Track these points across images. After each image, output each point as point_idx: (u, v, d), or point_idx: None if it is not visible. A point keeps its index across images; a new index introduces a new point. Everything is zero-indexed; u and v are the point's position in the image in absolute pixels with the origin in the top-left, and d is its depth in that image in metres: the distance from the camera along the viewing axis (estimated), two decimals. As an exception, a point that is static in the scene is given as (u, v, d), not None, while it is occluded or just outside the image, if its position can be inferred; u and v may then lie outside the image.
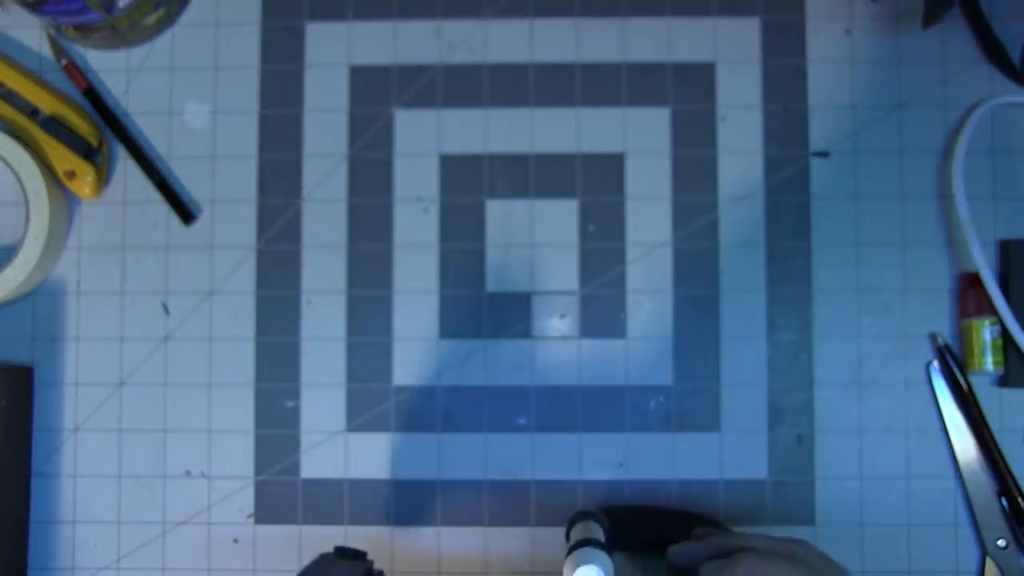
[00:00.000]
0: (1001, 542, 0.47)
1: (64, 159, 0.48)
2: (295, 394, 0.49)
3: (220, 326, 0.49)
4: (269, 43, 0.50)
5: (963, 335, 0.48)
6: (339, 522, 0.48)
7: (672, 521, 0.47)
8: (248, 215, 0.50)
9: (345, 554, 0.40)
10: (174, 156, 0.50)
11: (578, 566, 0.35)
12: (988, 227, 0.48)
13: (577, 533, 0.39)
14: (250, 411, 0.49)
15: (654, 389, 0.48)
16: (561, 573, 0.37)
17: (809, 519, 0.48)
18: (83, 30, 0.47)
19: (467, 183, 0.49)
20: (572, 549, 0.37)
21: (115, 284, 0.50)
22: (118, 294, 0.50)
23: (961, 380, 0.47)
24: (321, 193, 0.50)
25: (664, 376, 0.48)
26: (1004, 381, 0.48)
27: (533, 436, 0.48)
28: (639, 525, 0.46)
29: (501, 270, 0.49)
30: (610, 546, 0.39)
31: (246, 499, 0.49)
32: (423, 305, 0.49)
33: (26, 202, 0.47)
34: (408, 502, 0.48)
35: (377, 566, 0.42)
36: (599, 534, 0.39)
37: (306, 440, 0.49)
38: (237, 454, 0.49)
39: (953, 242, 0.49)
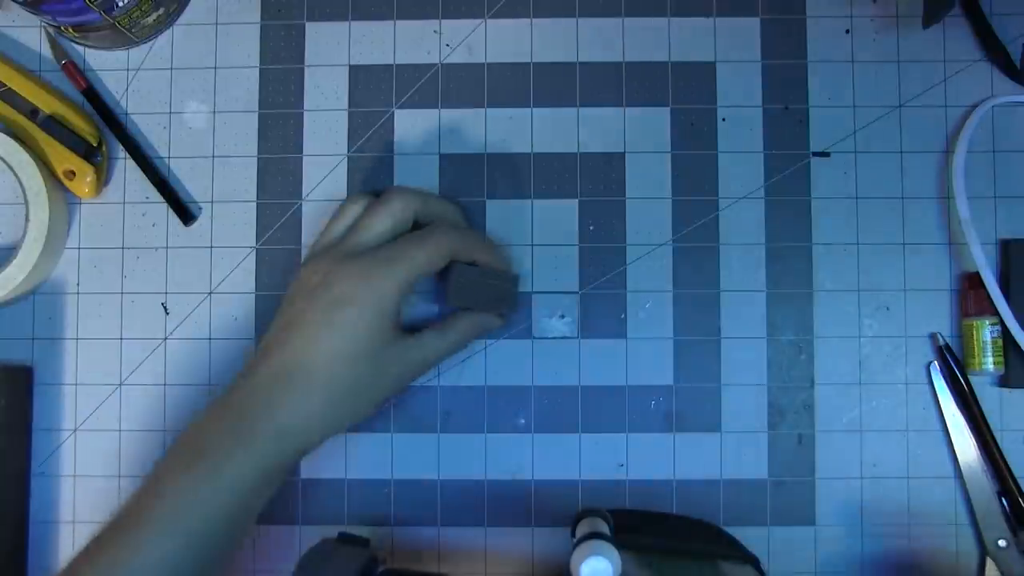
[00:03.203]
0: (1001, 542, 0.47)
1: (64, 159, 0.48)
2: (295, 394, 0.49)
3: (220, 326, 0.49)
4: (269, 43, 0.50)
5: (963, 335, 0.48)
6: (339, 522, 0.48)
7: (673, 526, 0.47)
8: (248, 215, 0.50)
9: (348, 540, 0.40)
10: (174, 156, 0.50)
11: (586, 558, 0.35)
12: (988, 227, 0.48)
13: (584, 528, 0.39)
14: (250, 411, 0.49)
15: (654, 389, 0.48)
16: (562, 573, 0.37)
17: (809, 519, 0.48)
18: (83, 30, 0.47)
19: (467, 183, 0.49)
20: (579, 542, 0.37)
21: (115, 284, 0.50)
22: (118, 294, 0.50)
23: (961, 380, 0.47)
24: (321, 193, 0.50)
25: (664, 376, 0.48)
26: (1004, 381, 0.48)
27: (533, 436, 0.48)
28: (640, 529, 0.46)
29: (501, 270, 0.49)
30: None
31: (246, 499, 0.49)
32: (423, 305, 0.49)
33: (26, 202, 0.47)
34: (408, 502, 0.48)
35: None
36: (605, 530, 0.39)
37: (306, 440, 0.49)
38: (237, 454, 0.49)
39: (953, 242, 0.49)
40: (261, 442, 0.39)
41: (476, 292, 0.46)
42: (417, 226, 0.45)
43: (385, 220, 0.43)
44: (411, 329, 0.45)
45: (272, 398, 0.40)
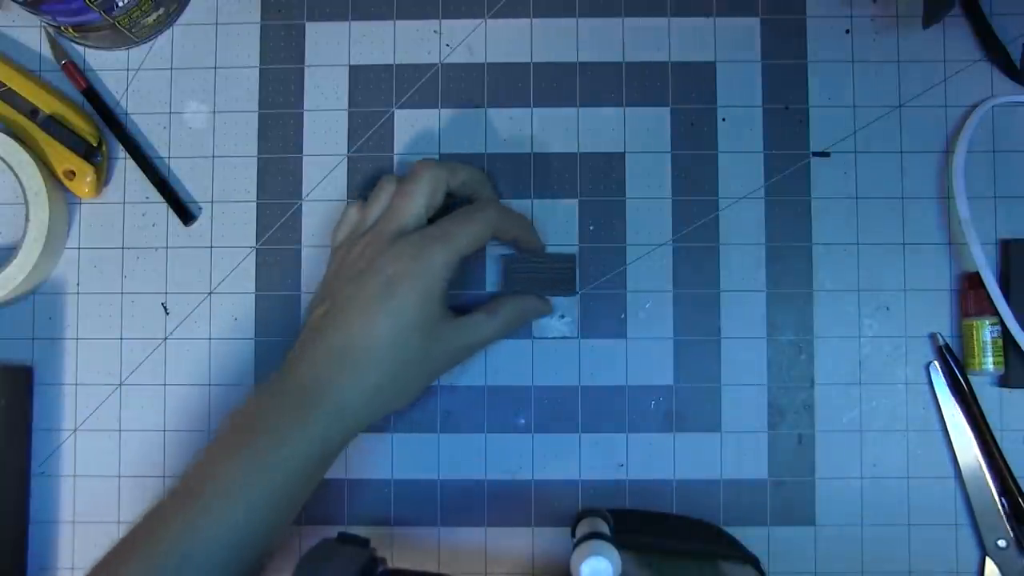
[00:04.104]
0: (1001, 542, 0.47)
1: (64, 159, 0.48)
2: (295, 394, 0.49)
3: (220, 326, 0.49)
4: (269, 43, 0.50)
5: (963, 335, 0.48)
6: (339, 522, 0.48)
7: (673, 526, 0.47)
8: (248, 215, 0.50)
9: (348, 540, 0.40)
10: (174, 156, 0.50)
11: (586, 558, 0.35)
12: (988, 227, 0.48)
13: (584, 528, 0.39)
14: (250, 411, 0.49)
15: (654, 389, 0.48)
16: (562, 573, 0.37)
17: (809, 519, 0.48)
18: (83, 30, 0.47)
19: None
20: (580, 542, 0.37)
21: (115, 284, 0.50)
22: (118, 294, 0.50)
23: (962, 380, 0.47)
24: (321, 193, 0.50)
25: (664, 376, 0.48)
26: (1004, 381, 0.48)
27: (533, 436, 0.48)
28: (640, 529, 0.46)
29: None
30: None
31: (246, 499, 0.48)
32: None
33: (26, 202, 0.47)
34: (408, 502, 0.48)
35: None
36: (605, 530, 0.39)
37: (306, 440, 0.49)
38: (237, 454, 0.49)
39: (953, 242, 0.49)
40: (319, 420, 0.40)
41: (533, 278, 0.47)
42: (450, 196, 0.46)
43: (418, 199, 0.44)
44: (458, 312, 0.45)
45: (330, 377, 0.41)
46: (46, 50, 0.50)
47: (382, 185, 0.46)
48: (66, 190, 0.49)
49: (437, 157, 0.50)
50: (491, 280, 0.49)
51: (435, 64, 0.50)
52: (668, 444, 0.48)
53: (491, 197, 0.47)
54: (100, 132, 0.49)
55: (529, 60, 0.50)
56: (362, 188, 0.50)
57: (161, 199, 0.49)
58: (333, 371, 0.41)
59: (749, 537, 0.47)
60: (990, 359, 0.47)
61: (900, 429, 0.48)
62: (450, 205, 0.46)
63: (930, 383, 0.48)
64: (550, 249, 0.49)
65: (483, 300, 0.48)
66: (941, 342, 0.48)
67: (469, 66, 0.50)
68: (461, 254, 0.43)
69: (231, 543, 0.38)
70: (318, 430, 0.40)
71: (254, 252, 0.50)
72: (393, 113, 0.50)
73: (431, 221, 0.45)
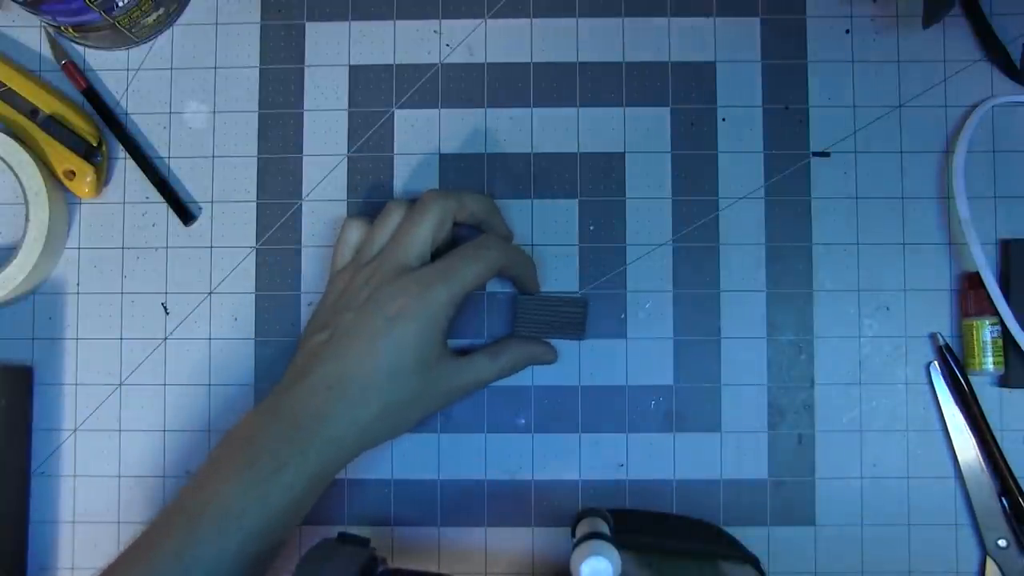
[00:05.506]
0: (1002, 542, 0.47)
1: (64, 159, 0.48)
2: (295, 394, 0.49)
3: (220, 326, 0.49)
4: (269, 43, 0.50)
5: (963, 335, 0.48)
6: (339, 522, 0.48)
7: (673, 526, 0.47)
8: (248, 215, 0.50)
9: (348, 540, 0.40)
10: (174, 156, 0.50)
11: (586, 558, 0.35)
12: (988, 227, 0.48)
13: (584, 528, 0.39)
14: (250, 411, 0.49)
15: (654, 389, 0.48)
16: (562, 573, 0.37)
17: (809, 519, 0.48)
18: (83, 30, 0.47)
19: (467, 183, 0.49)
20: (580, 542, 0.37)
21: (115, 284, 0.50)
22: (118, 294, 0.50)
23: (962, 380, 0.47)
24: (321, 193, 0.50)
25: (664, 376, 0.48)
26: (1004, 381, 0.48)
27: (533, 436, 0.48)
28: (640, 529, 0.46)
29: (501, 270, 0.49)
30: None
31: (246, 499, 0.48)
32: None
33: (26, 202, 0.47)
34: (408, 502, 0.48)
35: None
36: (605, 530, 0.39)
37: (306, 440, 0.49)
38: (237, 454, 0.49)
39: (953, 242, 0.49)
40: (314, 450, 0.40)
41: (542, 320, 0.47)
42: (456, 225, 0.46)
43: (425, 230, 0.44)
44: (459, 351, 0.46)
45: (327, 408, 0.41)
46: (46, 50, 0.50)
47: (389, 211, 0.45)
48: (66, 190, 0.49)
49: (437, 157, 0.50)
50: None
51: (435, 64, 0.50)
52: (668, 444, 0.48)
53: (500, 229, 0.47)
54: (100, 132, 0.49)
55: (529, 60, 0.50)
56: (362, 190, 0.50)
57: (161, 199, 0.49)
58: (328, 402, 0.41)
59: (749, 537, 0.47)
60: (990, 359, 0.47)
61: (900, 429, 0.48)
62: (457, 234, 0.46)
63: (930, 383, 0.48)
64: (550, 250, 0.49)
65: (481, 300, 0.48)
66: (941, 342, 0.48)
67: (469, 66, 0.50)
68: (465, 291, 0.43)
69: (234, 566, 0.38)
70: (311, 460, 0.40)
71: (254, 252, 0.50)
72: (393, 113, 0.50)
73: (437, 252, 0.45)
